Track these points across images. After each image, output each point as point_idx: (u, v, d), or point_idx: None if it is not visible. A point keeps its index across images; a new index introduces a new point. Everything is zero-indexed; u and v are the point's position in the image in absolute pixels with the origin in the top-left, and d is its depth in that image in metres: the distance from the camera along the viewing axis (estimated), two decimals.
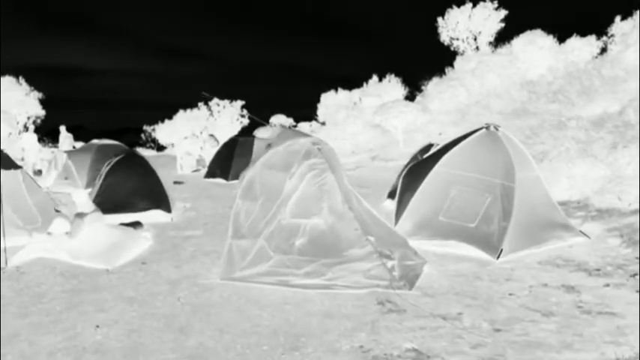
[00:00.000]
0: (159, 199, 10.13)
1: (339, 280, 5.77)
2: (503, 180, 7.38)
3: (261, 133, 17.02)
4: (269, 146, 6.60)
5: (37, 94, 29.10)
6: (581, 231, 7.64)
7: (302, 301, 5.38)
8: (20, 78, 28.76)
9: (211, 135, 21.22)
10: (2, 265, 6.77)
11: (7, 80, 28.16)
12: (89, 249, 7.23)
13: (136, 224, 8.37)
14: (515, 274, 6.12)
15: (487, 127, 7.91)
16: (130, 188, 10.08)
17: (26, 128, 28.19)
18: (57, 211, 9.24)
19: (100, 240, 7.42)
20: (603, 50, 21.26)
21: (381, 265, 5.73)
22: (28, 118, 29.10)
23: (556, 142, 11.98)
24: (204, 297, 5.61)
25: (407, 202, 7.91)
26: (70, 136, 20.26)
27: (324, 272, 5.85)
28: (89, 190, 11.72)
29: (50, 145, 25.79)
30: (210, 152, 18.82)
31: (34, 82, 29.41)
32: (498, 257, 6.64)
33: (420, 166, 8.35)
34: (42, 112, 29.34)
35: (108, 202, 9.75)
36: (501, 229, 6.99)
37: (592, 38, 21.36)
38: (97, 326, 4.86)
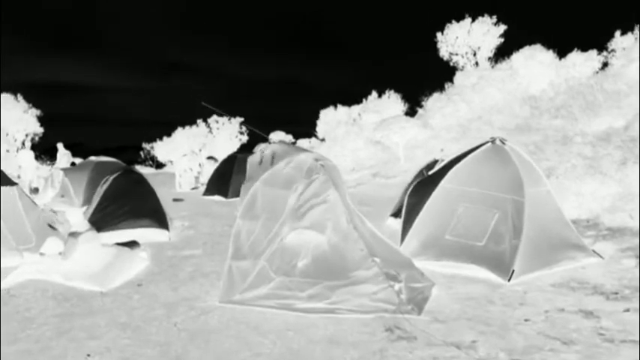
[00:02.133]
0: (156, 218, 9.87)
1: (344, 303, 5.48)
2: (511, 195, 7.12)
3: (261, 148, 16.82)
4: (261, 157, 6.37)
5: (35, 112, 28.94)
6: (594, 251, 7.37)
7: (305, 327, 5.09)
8: (18, 95, 28.63)
9: (210, 157, 21.00)
10: None
11: (5, 97, 27.99)
12: (83, 270, 6.95)
13: (132, 244, 8.09)
14: (529, 297, 5.84)
15: (493, 141, 7.68)
16: (127, 206, 9.81)
17: (24, 145, 27.97)
18: (54, 228, 8.97)
19: (95, 260, 7.14)
20: (604, 65, 21.18)
21: (388, 287, 5.45)
22: (27, 135, 28.89)
23: (561, 158, 11.76)
24: (202, 322, 5.32)
25: (413, 220, 7.65)
26: (67, 153, 20.05)
27: (328, 295, 5.57)
28: (85, 207, 11.49)
29: (48, 162, 25.58)
30: (209, 169, 18.64)
31: (33, 100, 29.23)
32: (510, 279, 6.37)
33: (425, 183, 8.10)
34: (40, 130, 29.15)
35: (104, 220, 9.51)
36: (512, 248, 6.72)
37: (593, 53, 21.28)
38: (88, 355, 4.57)
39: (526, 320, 5.12)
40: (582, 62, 20.98)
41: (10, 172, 16.67)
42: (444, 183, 7.59)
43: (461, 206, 7.40)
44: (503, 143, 7.55)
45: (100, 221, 9.30)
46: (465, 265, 6.95)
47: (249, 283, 5.81)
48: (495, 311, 5.41)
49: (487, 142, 7.66)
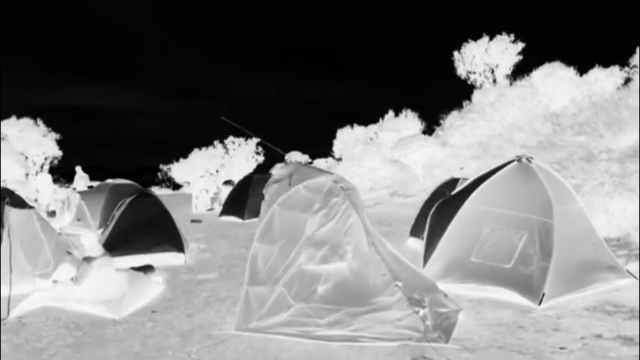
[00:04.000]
0: (172, 241, 9.71)
1: (366, 330, 5.21)
2: (539, 216, 6.81)
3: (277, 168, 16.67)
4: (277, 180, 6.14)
5: (54, 135, 29.24)
6: (628, 271, 7.01)
7: (326, 356, 4.84)
8: (38, 119, 28.97)
9: (227, 181, 20.88)
10: (3, 316, 6.31)
11: (25, 122, 28.35)
12: (96, 296, 6.77)
13: (147, 268, 7.90)
14: (563, 322, 5.49)
15: (519, 160, 7.39)
16: (143, 230, 9.67)
17: (42, 169, 28.22)
18: (69, 253, 8.83)
19: (108, 287, 6.96)
20: (626, 81, 20.77)
21: (413, 314, 5.16)
22: (46, 158, 29.16)
23: (587, 175, 11.39)
24: (218, 352, 5.07)
25: (436, 242, 7.36)
26: (85, 176, 20.11)
27: (350, 322, 5.30)
28: (101, 230, 11.38)
29: (67, 185, 25.74)
30: (226, 193, 18.55)
31: (53, 123, 29.58)
32: (540, 303, 6.03)
33: (449, 203, 7.82)
34: (59, 153, 29.41)
35: (119, 244, 9.36)
36: (541, 271, 6.39)
37: (615, 69, 20.90)
38: None
39: (562, 348, 4.79)
40: (604, 78, 20.60)
41: (28, 195, 16.73)
42: (468, 203, 7.30)
43: (486, 227, 7.10)
44: (530, 161, 7.26)
45: (115, 246, 9.14)
46: (492, 288, 6.64)
47: (266, 309, 5.56)
48: (528, 338, 5.09)
49: (513, 161, 7.37)
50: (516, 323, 5.54)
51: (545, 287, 6.17)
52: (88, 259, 7.40)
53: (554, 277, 6.29)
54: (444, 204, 8.03)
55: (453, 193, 8.29)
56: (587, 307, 5.97)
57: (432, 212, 8.05)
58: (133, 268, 7.79)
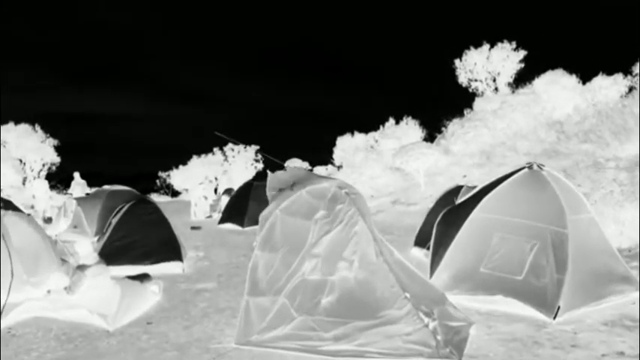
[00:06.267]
0: (170, 249, 9.43)
1: (374, 345, 4.92)
2: (552, 225, 6.54)
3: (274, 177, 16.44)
4: (280, 190, 5.87)
5: (52, 141, 29.00)
6: None
7: None
8: (36, 125, 28.75)
9: (228, 190, 20.60)
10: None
11: (23, 128, 28.13)
12: (89, 306, 6.48)
13: (143, 277, 7.63)
14: (581, 338, 5.21)
15: (530, 166, 7.13)
16: (140, 237, 9.41)
17: (39, 175, 27.97)
18: (64, 261, 8.56)
19: (102, 296, 6.67)
20: (631, 89, 20.58)
21: (423, 328, 4.88)
22: (44, 165, 28.91)
23: (594, 184, 11.14)
24: None
25: (443, 251, 7.09)
26: (82, 182, 19.84)
27: (356, 336, 5.01)
28: (97, 238, 11.10)
29: (64, 192, 25.47)
30: (225, 200, 18.32)
31: (50, 129, 29.33)
32: (555, 317, 5.76)
33: (456, 211, 7.55)
34: (57, 159, 29.17)
35: (116, 252, 9.09)
36: (555, 283, 6.12)
37: (619, 76, 20.71)
38: None
39: None
40: (608, 86, 20.40)
41: (24, 201, 16.46)
42: (477, 211, 7.03)
43: (496, 237, 6.83)
44: (541, 168, 7.00)
45: (112, 255, 8.84)
46: (503, 299, 6.36)
47: (268, 322, 5.29)
48: (546, 355, 4.81)
49: (523, 168, 7.11)
50: (531, 338, 5.26)
51: (560, 300, 5.90)
52: (82, 267, 7.12)
53: (569, 290, 6.02)
54: (450, 212, 7.77)
55: (459, 201, 8.03)
56: (604, 321, 5.69)
57: (438, 221, 7.79)
58: (129, 277, 7.52)
